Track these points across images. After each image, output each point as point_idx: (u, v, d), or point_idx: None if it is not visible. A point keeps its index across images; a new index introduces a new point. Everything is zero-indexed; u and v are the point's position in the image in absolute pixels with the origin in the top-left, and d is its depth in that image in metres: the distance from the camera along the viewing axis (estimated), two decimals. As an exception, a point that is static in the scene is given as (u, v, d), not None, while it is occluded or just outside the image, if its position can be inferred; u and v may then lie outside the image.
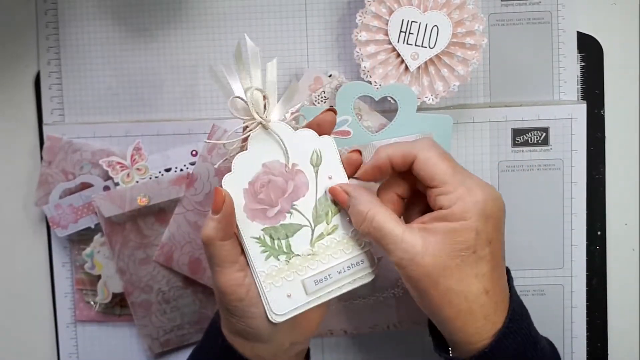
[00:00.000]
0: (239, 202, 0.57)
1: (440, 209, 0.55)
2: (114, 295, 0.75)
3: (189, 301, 0.75)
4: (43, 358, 0.78)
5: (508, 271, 0.59)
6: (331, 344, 0.77)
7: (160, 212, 0.74)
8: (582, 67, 0.74)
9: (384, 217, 0.55)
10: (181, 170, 0.73)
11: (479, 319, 0.55)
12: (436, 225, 0.54)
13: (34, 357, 0.79)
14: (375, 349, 0.77)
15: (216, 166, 0.61)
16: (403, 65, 0.70)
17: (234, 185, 0.57)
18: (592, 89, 0.74)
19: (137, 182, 0.73)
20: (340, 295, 0.67)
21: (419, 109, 0.71)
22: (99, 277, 0.75)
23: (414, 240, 0.54)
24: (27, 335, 0.78)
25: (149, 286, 0.74)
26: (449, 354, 0.59)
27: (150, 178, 0.73)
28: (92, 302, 0.76)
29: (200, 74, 0.75)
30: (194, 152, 0.74)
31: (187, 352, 0.68)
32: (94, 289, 0.76)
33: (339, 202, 0.58)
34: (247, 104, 0.56)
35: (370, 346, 0.77)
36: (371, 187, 0.60)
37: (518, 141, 0.74)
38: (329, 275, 0.58)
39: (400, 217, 0.59)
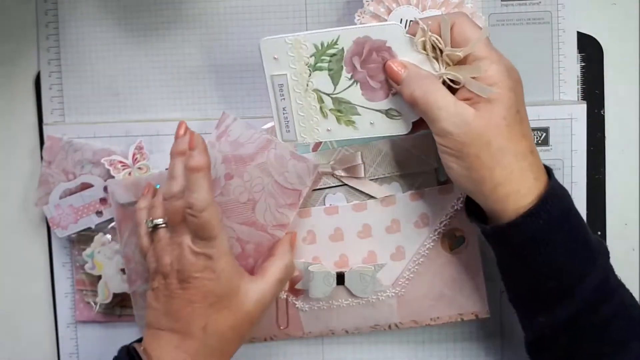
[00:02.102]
0: None
1: (474, 76, 0.58)
2: (115, 296, 0.75)
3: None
4: (43, 358, 0.79)
5: None
6: (332, 343, 0.77)
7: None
8: (582, 67, 0.74)
9: (435, 86, 0.59)
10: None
11: (529, 178, 0.58)
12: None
13: (34, 357, 0.79)
14: (376, 348, 0.77)
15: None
16: (402, 65, 0.70)
17: None
18: (592, 89, 0.74)
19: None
20: (340, 295, 0.68)
21: (419, 109, 0.71)
22: (99, 277, 0.75)
23: (464, 108, 0.57)
24: (28, 336, 0.78)
25: (151, 278, 0.74)
26: (487, 223, 0.62)
27: (150, 178, 0.74)
28: (92, 303, 0.76)
29: (200, 73, 0.75)
30: (194, 153, 0.74)
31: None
32: (94, 289, 0.76)
33: (392, 78, 0.61)
34: None
35: (371, 346, 0.77)
36: None
37: (518, 141, 0.74)
38: None
39: None
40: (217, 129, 0.70)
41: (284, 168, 0.67)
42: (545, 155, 0.74)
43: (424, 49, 0.60)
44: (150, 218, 0.65)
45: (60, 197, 0.74)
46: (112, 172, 0.73)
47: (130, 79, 0.75)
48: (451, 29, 0.59)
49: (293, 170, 0.67)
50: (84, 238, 0.76)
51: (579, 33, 0.74)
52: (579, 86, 0.74)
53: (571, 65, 0.74)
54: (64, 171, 0.75)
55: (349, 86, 0.63)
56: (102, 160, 0.73)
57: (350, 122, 0.65)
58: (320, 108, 0.64)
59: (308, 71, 0.63)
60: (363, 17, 0.69)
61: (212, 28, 0.75)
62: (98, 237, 0.75)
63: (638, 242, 0.76)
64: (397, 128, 0.65)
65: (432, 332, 0.76)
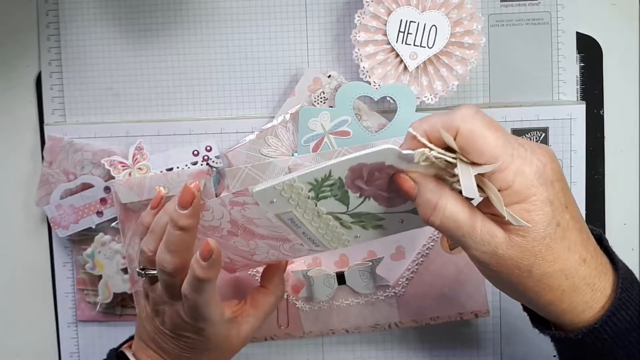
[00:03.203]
0: None
1: (499, 190, 0.47)
2: (115, 295, 0.75)
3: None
4: (44, 358, 0.79)
5: (597, 233, 0.54)
6: (332, 342, 0.77)
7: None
8: (582, 68, 0.74)
9: (456, 205, 0.49)
10: (182, 170, 0.74)
11: (585, 292, 0.49)
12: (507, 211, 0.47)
13: (35, 356, 0.79)
14: (376, 348, 0.77)
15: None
16: (402, 65, 0.70)
17: None
18: (592, 89, 0.74)
19: (161, 171, 0.74)
20: (341, 294, 0.67)
21: (419, 109, 0.71)
22: (100, 277, 0.75)
23: (493, 230, 0.48)
24: (29, 335, 0.78)
25: (153, 278, 0.74)
26: (552, 330, 0.53)
27: (151, 178, 0.74)
28: (93, 302, 0.77)
29: (201, 74, 0.75)
30: (195, 152, 0.74)
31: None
32: (95, 288, 0.76)
33: (403, 191, 0.51)
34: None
35: (371, 345, 0.77)
36: None
37: (518, 141, 0.74)
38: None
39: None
40: (234, 195, 0.56)
41: (298, 252, 0.62)
42: (545, 155, 0.74)
43: (431, 165, 0.49)
44: (141, 267, 0.61)
45: (61, 197, 0.75)
46: (112, 173, 0.73)
47: (130, 80, 0.75)
48: (455, 137, 0.48)
49: (307, 250, 0.62)
50: (84, 238, 0.76)
51: (578, 33, 0.74)
52: (578, 86, 0.75)
53: (570, 66, 0.74)
54: (65, 171, 0.75)
55: (362, 202, 0.54)
56: (102, 161, 0.73)
57: (378, 227, 0.57)
58: (341, 224, 0.56)
59: (313, 202, 0.54)
60: (363, 18, 0.70)
61: (212, 28, 0.75)
62: (98, 237, 0.75)
63: (638, 242, 0.76)
64: None
65: (432, 332, 0.76)
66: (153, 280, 0.61)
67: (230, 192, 0.56)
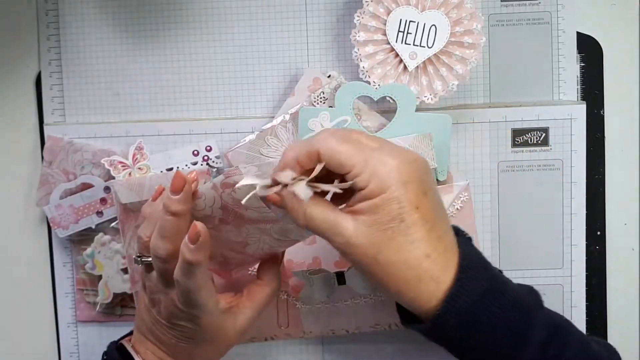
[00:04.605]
0: None
1: (361, 190, 0.54)
2: (115, 296, 0.75)
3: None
4: (44, 358, 0.79)
5: (461, 233, 0.60)
6: (332, 343, 0.77)
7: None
8: (582, 68, 0.74)
9: (316, 207, 0.55)
10: (182, 170, 0.74)
11: (430, 284, 0.55)
12: (360, 206, 0.54)
13: (34, 356, 0.79)
14: (376, 348, 0.77)
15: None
16: (402, 65, 0.70)
17: None
18: (592, 89, 0.74)
19: (161, 171, 0.74)
20: (341, 294, 0.68)
21: (418, 109, 0.71)
22: (100, 277, 0.75)
23: (345, 223, 0.54)
24: (28, 335, 0.78)
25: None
26: (418, 323, 0.59)
27: (151, 178, 0.74)
28: (92, 302, 0.77)
29: (201, 74, 0.75)
30: (195, 152, 0.74)
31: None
32: (94, 289, 0.76)
33: (274, 205, 0.57)
34: None
35: (371, 345, 0.77)
36: None
37: (518, 141, 0.74)
38: None
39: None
40: (224, 176, 0.58)
41: (288, 232, 0.62)
42: (545, 156, 0.74)
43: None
44: (138, 254, 0.62)
45: (61, 197, 0.75)
46: (112, 173, 0.73)
47: (130, 79, 0.75)
48: (319, 158, 0.55)
49: (296, 232, 0.62)
50: (84, 238, 0.76)
51: (578, 33, 0.74)
52: (579, 86, 0.75)
53: (571, 66, 0.74)
54: (65, 171, 0.75)
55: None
56: (102, 161, 0.73)
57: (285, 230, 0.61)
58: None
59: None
60: (363, 17, 0.70)
61: (212, 28, 0.75)
62: (98, 237, 0.75)
63: (638, 242, 0.76)
64: None
65: (432, 332, 0.76)
66: (149, 268, 0.62)
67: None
